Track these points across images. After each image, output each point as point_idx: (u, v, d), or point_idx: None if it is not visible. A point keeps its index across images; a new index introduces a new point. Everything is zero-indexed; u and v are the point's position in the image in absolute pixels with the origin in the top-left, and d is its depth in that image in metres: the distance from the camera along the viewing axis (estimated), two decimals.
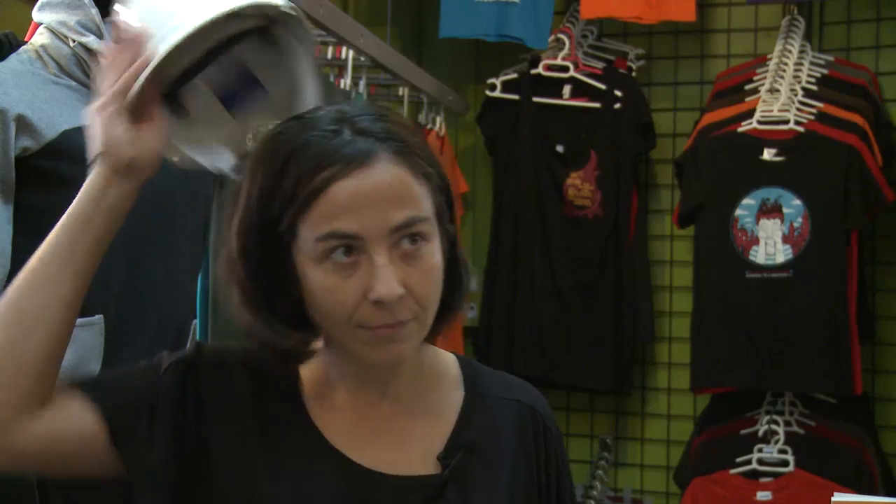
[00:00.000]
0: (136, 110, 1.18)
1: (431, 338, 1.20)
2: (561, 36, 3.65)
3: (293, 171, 1.10)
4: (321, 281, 1.10)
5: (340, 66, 3.16)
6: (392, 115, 1.16)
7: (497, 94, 3.70)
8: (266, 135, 1.17)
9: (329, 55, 3.20)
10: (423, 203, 1.12)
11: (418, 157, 1.13)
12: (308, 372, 1.21)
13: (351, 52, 3.02)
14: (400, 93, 3.49)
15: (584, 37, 3.74)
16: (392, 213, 1.09)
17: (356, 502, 1.17)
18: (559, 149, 3.64)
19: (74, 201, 1.23)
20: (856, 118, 3.20)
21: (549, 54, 3.65)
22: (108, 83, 1.19)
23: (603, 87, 3.59)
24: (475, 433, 1.22)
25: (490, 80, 3.72)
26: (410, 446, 1.21)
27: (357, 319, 1.10)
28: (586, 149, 3.62)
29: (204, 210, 2.04)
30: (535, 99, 3.65)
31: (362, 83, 3.12)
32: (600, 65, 3.67)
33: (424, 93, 3.44)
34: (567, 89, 3.64)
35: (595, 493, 3.59)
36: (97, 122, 1.19)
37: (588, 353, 3.57)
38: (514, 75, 3.70)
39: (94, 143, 1.20)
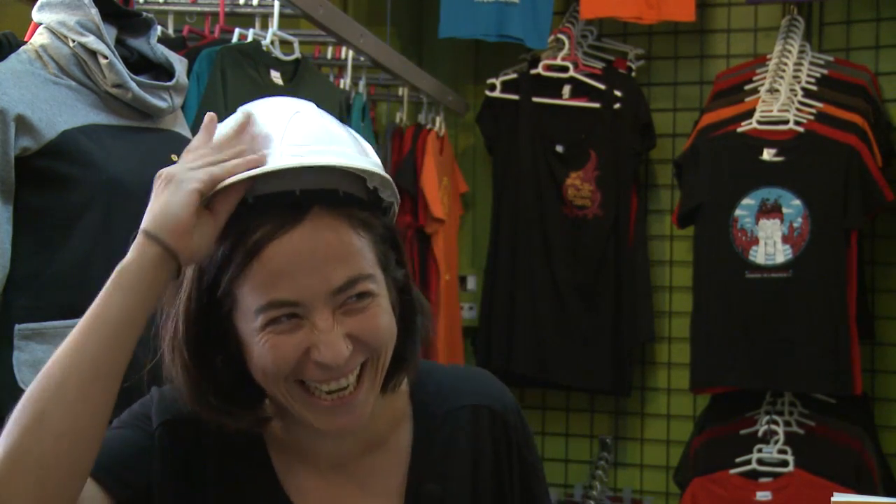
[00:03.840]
0: (209, 202, 1.05)
1: (385, 389, 1.13)
2: (561, 36, 3.65)
3: (228, 229, 1.04)
4: (262, 343, 1.04)
5: (340, 66, 3.16)
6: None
7: (497, 94, 3.69)
8: None
9: (329, 55, 3.20)
10: (365, 257, 1.05)
11: (355, 204, 1.05)
12: (271, 444, 1.16)
13: (351, 52, 3.03)
14: (400, 93, 3.50)
15: (584, 37, 3.74)
16: (332, 274, 1.03)
17: None
18: (559, 149, 3.64)
19: (112, 292, 1.07)
20: (855, 118, 3.20)
21: (548, 54, 3.65)
22: (203, 160, 1.06)
23: (603, 87, 3.59)
24: (431, 476, 1.16)
25: (490, 80, 3.72)
26: (368, 497, 1.15)
27: (301, 378, 1.05)
28: (586, 149, 3.62)
29: None
30: (535, 99, 3.65)
31: (362, 83, 3.12)
32: (600, 65, 3.67)
33: (424, 93, 3.44)
34: (567, 89, 3.64)
35: (595, 493, 3.59)
36: (168, 191, 1.05)
37: (588, 353, 3.57)
38: (514, 75, 3.70)
39: (154, 215, 1.05)
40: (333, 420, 1.07)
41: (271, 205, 1.04)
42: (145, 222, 1.05)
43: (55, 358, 1.02)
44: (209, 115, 1.16)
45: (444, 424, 1.17)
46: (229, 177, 1.04)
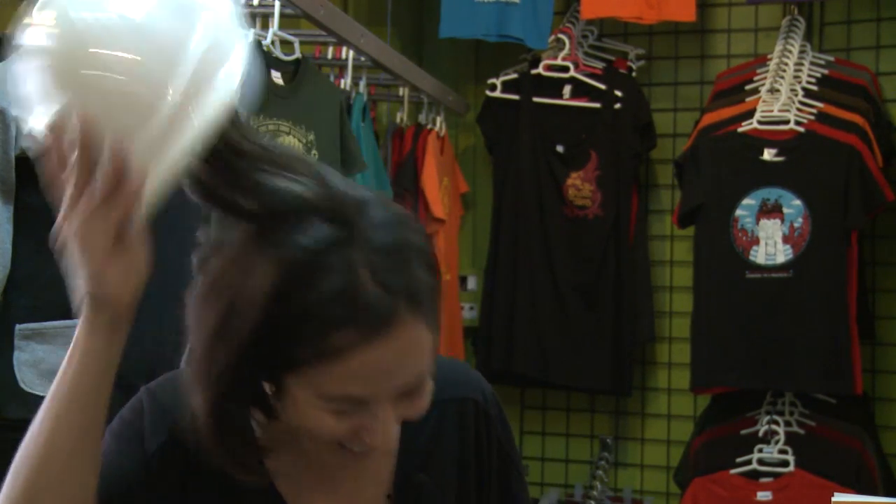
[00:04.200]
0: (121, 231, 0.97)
1: None
2: (561, 36, 3.64)
3: (298, 319, 0.94)
4: (315, 414, 0.99)
5: (340, 66, 3.16)
6: (409, 238, 0.99)
7: (497, 94, 3.69)
8: (260, 256, 0.97)
9: (329, 55, 3.20)
10: (431, 350, 1.01)
11: (432, 299, 1.00)
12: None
13: (351, 52, 3.02)
14: (400, 93, 3.49)
15: (585, 37, 3.74)
16: (405, 376, 0.99)
17: None
18: (559, 149, 3.64)
19: (71, 370, 1.04)
20: (856, 118, 3.20)
21: (549, 54, 3.65)
22: (84, 191, 0.96)
23: (603, 87, 3.59)
24: (419, 466, 1.16)
25: (490, 81, 3.72)
26: (359, 487, 1.15)
27: (345, 444, 1.03)
28: (586, 149, 3.62)
29: (203, 211, 2.04)
30: (536, 99, 3.65)
31: (362, 83, 3.12)
32: (600, 65, 3.67)
33: (424, 93, 3.44)
34: (567, 89, 3.64)
35: (595, 493, 3.59)
36: (80, 249, 1.00)
37: (588, 353, 3.57)
38: (515, 75, 3.70)
39: (82, 282, 1.01)
40: (355, 456, 1.05)
41: None
42: (79, 296, 1.01)
43: (35, 440, 1.02)
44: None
45: (432, 415, 1.12)
46: (132, 199, 0.98)
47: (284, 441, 1.10)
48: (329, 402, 0.97)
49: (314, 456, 1.12)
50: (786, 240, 3.19)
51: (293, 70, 2.62)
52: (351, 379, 0.96)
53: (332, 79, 3.11)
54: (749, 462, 3.19)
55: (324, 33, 2.74)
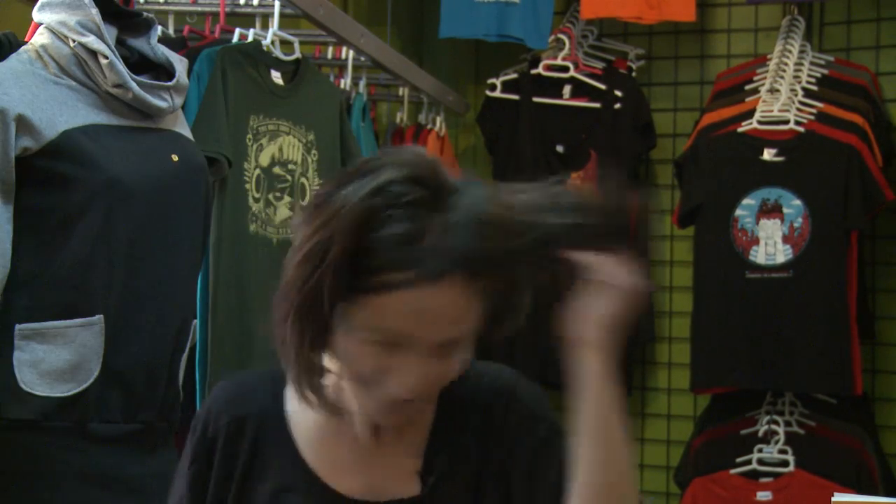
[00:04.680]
0: None
1: None
2: (561, 36, 3.64)
3: (368, 251, 1.07)
4: (353, 346, 1.12)
5: (340, 66, 3.16)
6: (491, 216, 1.10)
7: (497, 94, 3.69)
8: (355, 194, 1.10)
9: (329, 55, 3.20)
10: (473, 319, 1.13)
11: (495, 267, 1.12)
12: (291, 394, 1.25)
13: (351, 52, 3.03)
14: (400, 93, 3.49)
15: (584, 37, 3.74)
16: (442, 332, 1.11)
17: None
18: (559, 149, 3.64)
19: None
20: (856, 118, 3.20)
21: (549, 54, 3.65)
22: None
23: (603, 87, 3.59)
24: (449, 450, 1.24)
25: (490, 81, 3.71)
26: (388, 468, 1.23)
27: (373, 388, 1.14)
28: (586, 149, 3.62)
29: (204, 210, 2.05)
30: (536, 99, 3.65)
31: (362, 83, 3.12)
32: (600, 65, 3.67)
33: (424, 93, 3.44)
34: (567, 89, 3.64)
35: None
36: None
37: None
38: (514, 75, 3.70)
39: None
40: (389, 417, 1.17)
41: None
42: None
43: None
44: None
45: (466, 409, 1.25)
46: None
47: (317, 424, 1.23)
48: (373, 333, 1.09)
49: (344, 436, 1.23)
50: (786, 240, 3.19)
51: (293, 70, 2.63)
52: (396, 315, 1.08)
53: (331, 79, 3.11)
54: (749, 462, 3.19)
55: (324, 33, 2.74)
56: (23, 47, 1.88)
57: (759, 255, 3.21)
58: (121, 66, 1.88)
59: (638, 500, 1.19)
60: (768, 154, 3.22)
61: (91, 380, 1.82)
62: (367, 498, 1.22)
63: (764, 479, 3.17)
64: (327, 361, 1.19)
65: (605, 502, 1.15)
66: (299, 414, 1.25)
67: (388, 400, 1.13)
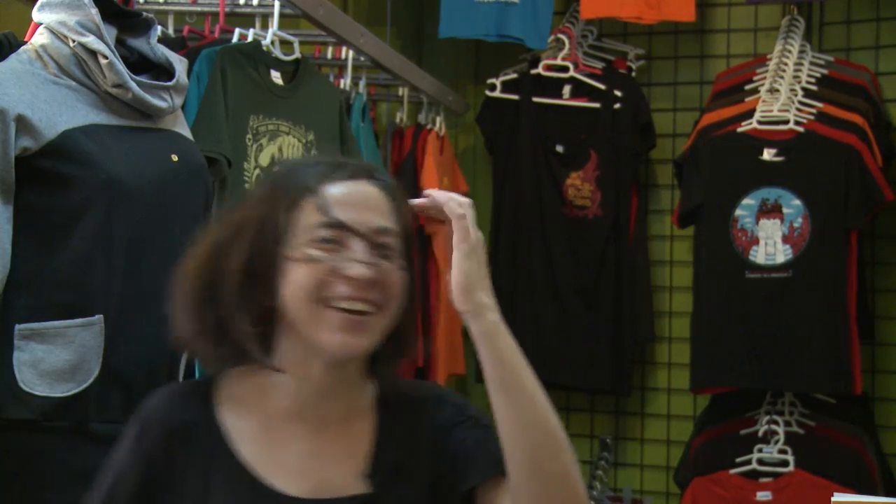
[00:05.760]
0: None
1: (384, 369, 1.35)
2: (561, 36, 3.65)
3: (298, 180, 1.31)
4: (306, 254, 1.26)
5: (340, 66, 3.16)
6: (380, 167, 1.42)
7: (497, 94, 3.69)
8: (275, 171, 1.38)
9: (329, 55, 3.20)
10: (395, 223, 1.32)
11: (393, 191, 1.35)
12: (229, 399, 1.33)
13: (351, 52, 3.03)
14: (400, 93, 3.49)
15: (584, 37, 3.74)
16: (375, 218, 1.30)
17: None
18: (559, 149, 3.64)
19: None
20: (856, 118, 3.20)
21: (548, 54, 3.65)
22: None
23: (603, 87, 3.59)
24: (396, 449, 1.31)
25: (490, 81, 3.72)
26: (332, 469, 1.28)
27: (327, 295, 1.25)
28: (586, 149, 3.62)
29: (204, 210, 2.04)
30: (535, 99, 3.65)
31: (362, 83, 3.12)
32: (600, 65, 3.67)
33: (424, 93, 3.44)
34: (567, 89, 3.64)
35: (595, 493, 3.59)
36: None
37: (588, 353, 3.57)
38: (514, 75, 3.70)
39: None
40: (343, 337, 1.26)
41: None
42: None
43: None
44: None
45: (407, 412, 1.34)
46: None
47: (250, 418, 1.31)
48: (321, 228, 1.27)
49: (278, 435, 1.30)
50: (785, 240, 3.19)
51: (293, 70, 2.63)
52: (336, 204, 1.28)
53: (331, 79, 3.11)
54: (749, 462, 3.19)
55: (323, 33, 2.74)
56: (22, 47, 1.88)
57: (759, 255, 3.21)
58: (120, 66, 1.88)
59: (565, 437, 1.26)
60: (768, 154, 3.22)
61: (91, 380, 1.81)
62: (316, 496, 1.26)
63: (764, 479, 3.17)
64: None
65: (531, 444, 1.22)
66: (235, 422, 1.31)
67: (349, 291, 1.25)
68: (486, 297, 1.28)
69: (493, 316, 1.28)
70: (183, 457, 1.29)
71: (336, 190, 1.29)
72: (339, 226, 1.27)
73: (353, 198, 1.30)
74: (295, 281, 1.26)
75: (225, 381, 1.36)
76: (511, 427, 1.23)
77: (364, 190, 1.31)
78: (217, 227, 1.36)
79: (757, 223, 3.22)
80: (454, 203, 1.31)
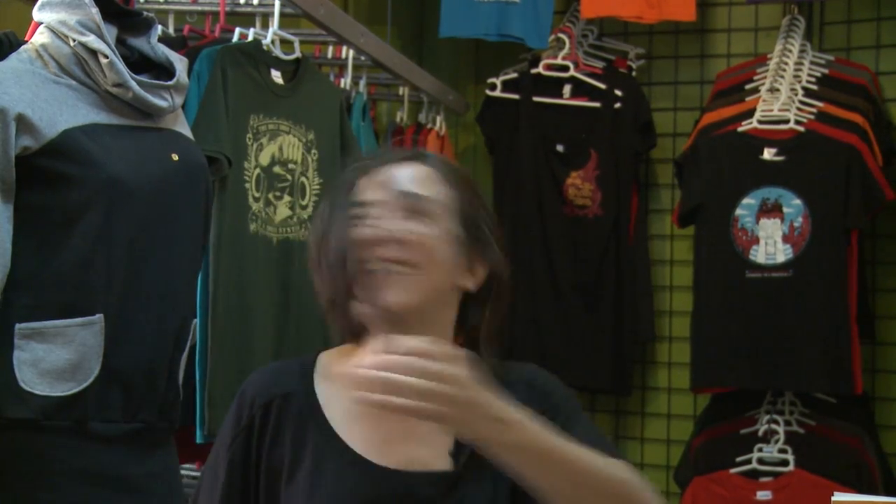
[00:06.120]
0: None
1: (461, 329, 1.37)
2: (561, 35, 3.64)
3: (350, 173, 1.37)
4: (342, 233, 1.30)
5: (340, 66, 3.16)
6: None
7: (497, 93, 3.69)
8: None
9: (329, 55, 3.20)
10: (439, 194, 1.33)
11: (452, 186, 1.36)
12: (326, 374, 1.37)
13: (351, 52, 3.03)
14: (400, 92, 3.49)
15: (585, 36, 3.74)
16: (401, 185, 1.32)
17: (369, 500, 1.28)
18: (559, 148, 3.64)
19: None
20: (856, 118, 3.20)
21: (549, 54, 3.65)
22: None
23: (603, 86, 3.59)
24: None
25: (490, 80, 3.71)
26: (421, 444, 1.30)
27: (365, 264, 1.28)
28: (586, 148, 3.62)
29: (204, 210, 2.04)
30: (536, 98, 3.65)
31: (362, 83, 3.12)
32: (600, 64, 3.67)
33: (424, 92, 3.44)
34: (567, 89, 3.64)
35: None
36: None
37: (588, 352, 3.57)
38: (515, 75, 3.70)
39: None
40: (383, 295, 1.28)
41: None
42: None
43: None
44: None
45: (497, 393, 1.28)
46: None
47: (345, 396, 1.30)
48: (349, 217, 1.29)
49: (380, 416, 1.28)
50: (786, 239, 3.19)
51: (293, 69, 2.63)
52: (359, 190, 1.33)
53: (332, 78, 3.11)
54: (749, 461, 3.19)
55: (324, 32, 2.74)
56: (23, 46, 1.88)
57: (759, 255, 3.21)
58: (121, 66, 1.87)
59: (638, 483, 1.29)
60: (768, 153, 3.22)
61: (91, 379, 1.81)
62: (401, 468, 1.28)
63: (764, 479, 3.17)
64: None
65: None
66: (330, 395, 1.34)
67: (365, 256, 1.28)
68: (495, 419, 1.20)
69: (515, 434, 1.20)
70: (279, 423, 1.33)
71: (368, 177, 1.34)
72: (364, 203, 1.31)
73: (380, 177, 1.33)
74: (335, 245, 1.31)
75: (325, 358, 1.40)
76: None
77: (402, 171, 1.34)
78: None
79: (757, 223, 3.22)
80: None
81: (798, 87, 3.31)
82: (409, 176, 1.34)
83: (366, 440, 1.31)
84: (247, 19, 2.65)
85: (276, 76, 2.56)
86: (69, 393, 1.80)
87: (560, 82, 3.63)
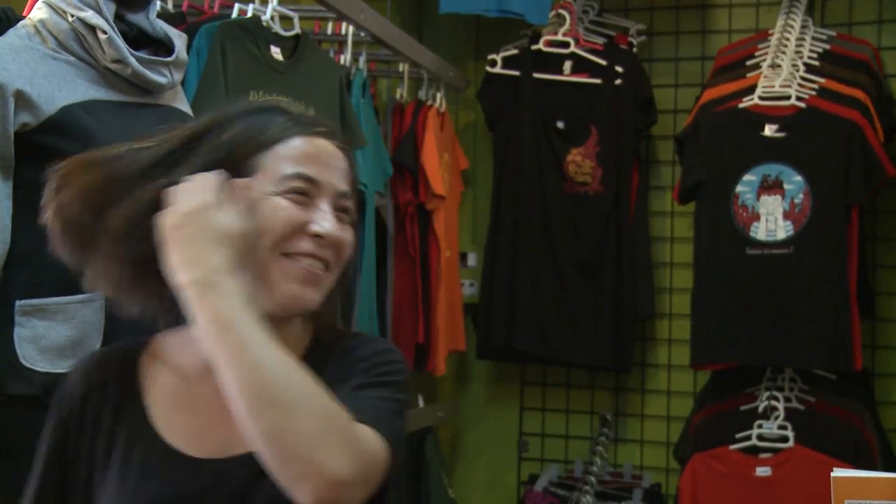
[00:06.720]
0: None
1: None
2: (562, 11, 3.63)
3: (264, 120, 1.31)
4: (276, 203, 1.26)
5: (340, 42, 3.15)
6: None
7: (497, 70, 3.68)
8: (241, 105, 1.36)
9: (329, 31, 3.19)
10: (351, 192, 1.35)
11: (353, 178, 1.37)
12: (151, 357, 1.36)
13: (351, 28, 3.01)
14: (400, 69, 3.48)
15: (585, 12, 3.72)
16: (339, 180, 1.32)
17: (172, 492, 1.25)
18: (560, 125, 3.63)
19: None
20: (857, 93, 3.19)
21: (549, 30, 3.64)
22: None
23: (604, 62, 3.58)
24: None
25: (490, 56, 3.70)
26: (236, 426, 1.17)
27: (289, 248, 1.26)
28: (587, 125, 3.61)
29: None
30: (536, 75, 3.64)
31: (362, 59, 3.11)
32: (601, 40, 3.66)
33: (425, 69, 3.43)
34: (568, 65, 3.62)
35: (595, 468, 3.60)
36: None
37: (588, 329, 3.57)
38: (515, 51, 3.69)
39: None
40: (300, 289, 1.27)
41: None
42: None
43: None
44: None
45: (333, 359, 1.31)
46: None
47: (162, 381, 1.32)
48: (285, 182, 1.27)
49: (186, 395, 1.30)
50: (786, 216, 3.19)
51: (293, 45, 2.62)
52: (304, 157, 1.29)
53: (331, 54, 3.10)
54: (748, 438, 3.20)
55: (323, 8, 2.73)
56: (21, 22, 1.88)
57: (760, 232, 3.20)
58: (119, 42, 1.87)
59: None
60: (769, 130, 3.22)
61: None
62: (214, 456, 1.26)
63: (763, 455, 3.18)
64: None
65: (247, 397, 1.13)
66: (152, 378, 1.33)
67: (310, 248, 1.27)
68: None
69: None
70: (98, 414, 1.32)
71: (307, 144, 1.31)
72: (310, 180, 1.28)
73: (321, 156, 1.31)
74: (265, 222, 1.25)
75: (156, 339, 1.37)
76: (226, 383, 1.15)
77: (330, 149, 1.33)
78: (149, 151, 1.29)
79: (758, 199, 3.21)
80: None
81: (799, 62, 3.30)
82: (336, 162, 1.33)
83: (183, 427, 1.28)
84: None
85: (276, 52, 2.55)
86: (70, 369, 1.80)
87: (560, 59, 3.62)
